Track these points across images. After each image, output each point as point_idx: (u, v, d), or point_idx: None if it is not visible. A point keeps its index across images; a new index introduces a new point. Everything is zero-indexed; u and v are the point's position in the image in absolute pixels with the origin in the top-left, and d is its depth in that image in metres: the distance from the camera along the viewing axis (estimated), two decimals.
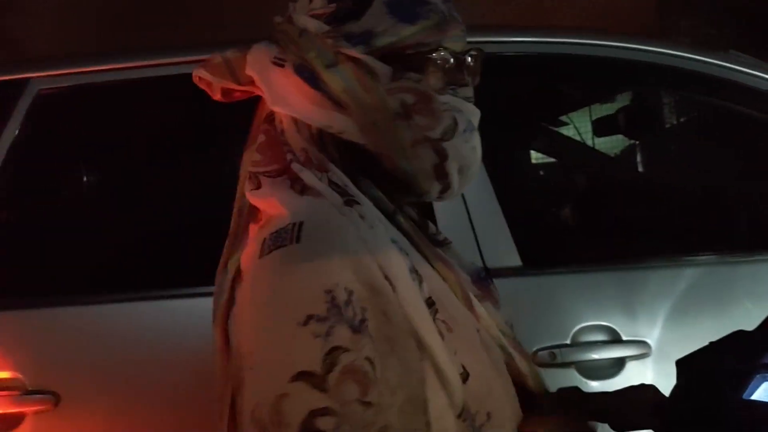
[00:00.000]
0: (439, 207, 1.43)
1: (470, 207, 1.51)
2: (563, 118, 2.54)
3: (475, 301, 0.80)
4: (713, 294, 1.55)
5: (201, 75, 0.78)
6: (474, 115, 0.78)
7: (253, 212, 0.75)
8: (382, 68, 0.72)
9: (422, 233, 0.78)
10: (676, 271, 1.59)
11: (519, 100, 1.84)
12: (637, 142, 2.51)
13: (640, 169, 2.53)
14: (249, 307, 0.67)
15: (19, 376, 1.41)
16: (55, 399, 1.39)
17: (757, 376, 0.83)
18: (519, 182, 2.08)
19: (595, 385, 1.45)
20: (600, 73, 1.86)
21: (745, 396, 0.81)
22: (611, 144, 2.76)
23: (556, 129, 2.49)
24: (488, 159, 0.83)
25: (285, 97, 0.73)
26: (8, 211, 1.58)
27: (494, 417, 0.72)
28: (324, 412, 0.58)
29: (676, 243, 1.71)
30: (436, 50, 0.74)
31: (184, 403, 1.35)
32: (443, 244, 0.83)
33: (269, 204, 0.72)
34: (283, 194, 0.71)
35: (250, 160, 0.77)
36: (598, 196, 2.05)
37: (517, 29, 1.86)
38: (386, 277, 0.65)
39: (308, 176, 0.71)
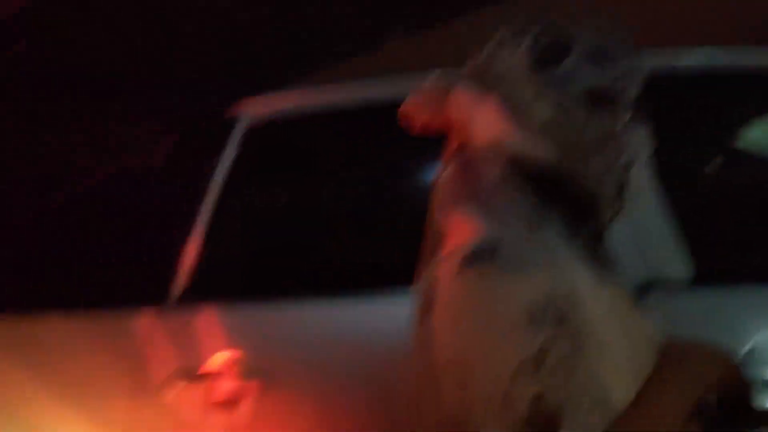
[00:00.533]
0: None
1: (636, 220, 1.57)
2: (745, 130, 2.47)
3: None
4: None
5: (410, 109, 0.93)
6: (647, 150, 0.90)
7: (446, 231, 0.88)
8: (577, 106, 0.84)
9: (595, 254, 0.88)
10: None
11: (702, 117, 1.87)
12: None
13: None
14: (457, 316, 0.80)
15: (242, 358, 1.63)
16: (269, 381, 1.59)
17: None
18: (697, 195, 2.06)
19: None
20: None
21: None
22: None
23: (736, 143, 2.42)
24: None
25: (489, 127, 0.86)
26: (229, 234, 1.84)
27: None
28: (544, 394, 0.72)
29: None
30: (621, 94, 0.86)
31: (381, 395, 1.47)
32: (611, 264, 0.92)
33: (463, 226, 0.85)
34: (475, 217, 0.84)
35: (443, 186, 0.91)
36: None
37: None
38: (572, 292, 0.77)
39: (497, 202, 0.84)
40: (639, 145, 0.88)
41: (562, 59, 0.85)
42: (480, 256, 0.79)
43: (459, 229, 0.85)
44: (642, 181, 0.89)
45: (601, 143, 0.85)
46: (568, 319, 0.75)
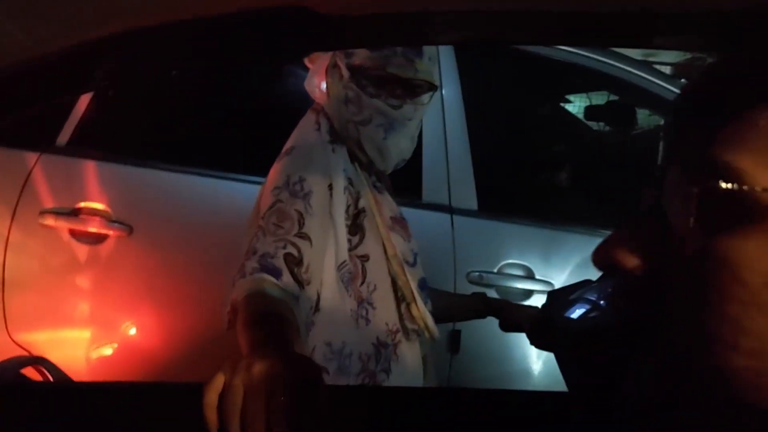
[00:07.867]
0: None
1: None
2: None
3: (391, 226, 1.30)
4: None
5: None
6: (396, 118, 1.23)
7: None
8: (346, 74, 1.21)
9: (368, 178, 1.30)
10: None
11: None
12: None
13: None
14: (268, 178, 1.21)
15: (108, 209, 1.86)
16: (130, 229, 1.87)
17: (577, 304, 1.35)
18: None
19: None
20: None
21: (566, 314, 1.34)
22: None
23: None
24: None
25: (316, 93, 1.32)
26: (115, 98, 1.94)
27: (378, 290, 1.25)
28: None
29: None
30: (382, 71, 1.19)
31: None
32: (380, 190, 1.33)
33: (293, 137, 1.28)
34: (295, 136, 1.28)
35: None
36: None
37: None
38: (330, 185, 1.17)
39: (310, 130, 1.26)
40: (378, 113, 1.21)
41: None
42: (287, 152, 1.21)
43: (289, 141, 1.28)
44: (380, 143, 1.23)
45: (347, 101, 1.22)
46: (301, 192, 1.14)
